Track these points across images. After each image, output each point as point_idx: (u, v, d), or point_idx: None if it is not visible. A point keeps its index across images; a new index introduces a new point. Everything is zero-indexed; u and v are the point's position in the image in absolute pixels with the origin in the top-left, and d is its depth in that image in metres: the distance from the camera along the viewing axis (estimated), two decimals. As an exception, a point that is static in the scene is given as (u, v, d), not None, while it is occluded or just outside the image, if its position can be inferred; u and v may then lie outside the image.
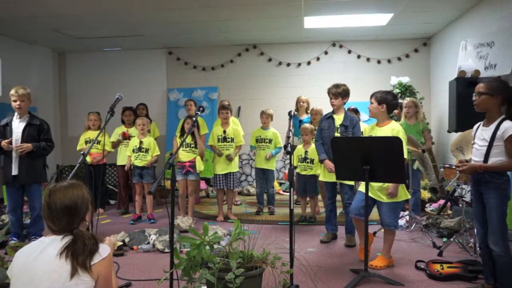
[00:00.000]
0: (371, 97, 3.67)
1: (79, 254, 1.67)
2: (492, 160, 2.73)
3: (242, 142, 5.64)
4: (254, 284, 2.57)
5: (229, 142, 5.48)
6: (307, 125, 5.30)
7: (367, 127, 3.89)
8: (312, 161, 5.14)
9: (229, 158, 5.43)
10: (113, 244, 2.12)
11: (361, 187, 3.61)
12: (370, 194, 3.42)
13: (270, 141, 5.72)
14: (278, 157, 7.10)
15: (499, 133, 2.69)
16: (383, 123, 3.62)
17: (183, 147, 5.16)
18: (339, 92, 4.18)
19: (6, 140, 4.18)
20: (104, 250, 1.75)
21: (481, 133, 2.84)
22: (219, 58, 8.20)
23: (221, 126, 5.56)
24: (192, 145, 5.21)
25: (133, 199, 5.77)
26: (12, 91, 4.22)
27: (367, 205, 3.33)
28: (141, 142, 5.47)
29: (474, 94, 2.83)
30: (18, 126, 4.26)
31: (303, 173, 5.19)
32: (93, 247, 1.70)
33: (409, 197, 3.88)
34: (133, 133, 5.86)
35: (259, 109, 6.01)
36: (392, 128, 3.54)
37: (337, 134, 4.18)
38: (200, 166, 5.27)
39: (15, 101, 4.22)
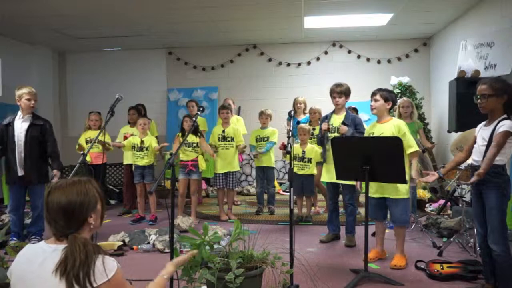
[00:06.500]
0: (374, 95, 3.69)
1: (70, 271, 1.40)
2: None
3: (242, 142, 5.64)
4: (254, 284, 2.57)
5: (228, 141, 5.49)
6: (303, 125, 5.31)
7: (368, 127, 3.90)
8: (309, 160, 5.14)
9: (241, 149, 5.63)
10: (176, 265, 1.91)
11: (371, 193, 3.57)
12: (381, 195, 3.58)
13: (268, 139, 5.73)
14: (278, 157, 7.10)
15: (497, 130, 2.70)
16: (385, 119, 3.69)
17: (185, 146, 5.17)
18: (343, 91, 4.20)
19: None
20: (105, 269, 1.45)
21: (482, 132, 2.86)
22: (219, 58, 8.20)
23: (221, 126, 5.59)
24: (195, 144, 5.21)
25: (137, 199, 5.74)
26: (25, 90, 4.17)
27: (367, 205, 3.34)
28: (142, 142, 5.45)
29: (477, 96, 2.80)
30: (21, 126, 4.23)
31: (300, 172, 5.18)
32: (85, 261, 1.42)
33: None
34: (135, 132, 5.83)
35: (259, 109, 6.00)
36: (395, 124, 3.62)
37: (336, 134, 4.18)
38: (202, 165, 5.30)
39: (29, 99, 4.18)
